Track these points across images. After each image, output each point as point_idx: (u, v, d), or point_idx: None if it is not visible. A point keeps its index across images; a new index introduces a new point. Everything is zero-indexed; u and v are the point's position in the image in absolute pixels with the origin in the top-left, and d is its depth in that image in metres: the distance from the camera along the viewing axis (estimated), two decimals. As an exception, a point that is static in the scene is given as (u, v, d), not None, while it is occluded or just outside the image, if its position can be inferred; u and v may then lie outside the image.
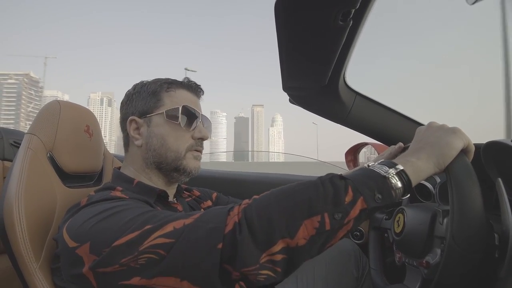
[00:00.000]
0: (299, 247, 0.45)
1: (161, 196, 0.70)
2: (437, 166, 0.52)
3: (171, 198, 0.75)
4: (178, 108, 0.70)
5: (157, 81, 0.75)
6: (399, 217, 0.71)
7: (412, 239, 0.66)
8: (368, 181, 0.47)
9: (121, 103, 0.76)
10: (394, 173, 0.48)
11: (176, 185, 0.79)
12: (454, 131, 0.54)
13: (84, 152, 0.81)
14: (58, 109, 0.76)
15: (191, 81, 0.78)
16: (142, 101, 0.73)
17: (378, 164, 0.51)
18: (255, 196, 0.50)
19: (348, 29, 0.57)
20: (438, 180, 0.80)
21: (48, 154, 0.73)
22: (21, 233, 0.59)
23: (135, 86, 0.75)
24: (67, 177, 0.77)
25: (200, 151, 0.76)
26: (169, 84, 0.74)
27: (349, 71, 0.86)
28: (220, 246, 0.45)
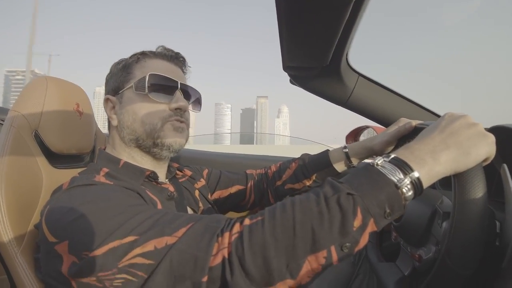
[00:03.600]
0: (302, 286, 0.41)
1: (150, 177, 0.66)
2: (450, 172, 0.44)
3: (162, 179, 0.71)
4: (145, 77, 0.64)
5: (131, 56, 0.69)
6: None
7: (409, 229, 0.65)
8: (378, 195, 0.40)
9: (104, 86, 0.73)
10: (408, 182, 0.41)
11: (166, 164, 0.74)
12: (487, 136, 0.45)
13: (73, 131, 0.78)
14: (44, 85, 0.72)
15: (168, 49, 0.72)
16: (114, 77, 0.68)
17: (388, 163, 0.43)
18: (246, 221, 0.43)
19: (352, 3, 0.53)
20: None
21: (33, 133, 0.70)
22: (0, 214, 0.56)
23: (112, 65, 0.71)
24: (55, 157, 0.74)
25: (182, 123, 0.69)
26: (141, 55, 0.68)
27: (352, 51, 0.82)
28: (205, 279, 0.41)
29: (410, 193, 0.41)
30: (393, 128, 0.72)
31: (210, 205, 0.82)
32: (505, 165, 0.50)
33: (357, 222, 0.39)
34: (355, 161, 0.82)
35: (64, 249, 0.45)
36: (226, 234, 0.42)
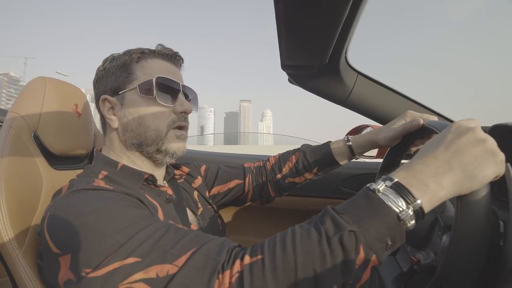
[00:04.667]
0: None
1: (149, 180, 0.66)
2: (453, 195, 0.42)
3: (160, 182, 0.71)
4: (152, 80, 0.63)
5: (127, 53, 0.67)
6: None
7: (408, 232, 0.65)
8: (380, 229, 0.39)
9: (93, 82, 0.69)
10: (411, 213, 0.39)
11: (164, 167, 0.74)
12: (496, 155, 0.42)
13: (72, 132, 0.77)
14: (43, 86, 0.72)
15: (166, 48, 0.70)
16: (112, 76, 0.65)
17: (390, 189, 0.41)
18: (246, 259, 0.42)
19: None
20: None
21: (32, 134, 0.69)
22: (1, 215, 0.56)
23: (104, 61, 0.68)
24: (55, 159, 0.74)
25: (185, 127, 0.69)
26: (141, 54, 0.66)
27: (352, 49, 0.82)
28: None
29: (412, 222, 0.40)
30: (399, 123, 0.71)
31: (209, 206, 0.81)
32: (508, 164, 0.48)
33: (359, 260, 0.39)
34: (358, 154, 0.82)
35: (65, 263, 0.45)
36: (227, 273, 0.41)
